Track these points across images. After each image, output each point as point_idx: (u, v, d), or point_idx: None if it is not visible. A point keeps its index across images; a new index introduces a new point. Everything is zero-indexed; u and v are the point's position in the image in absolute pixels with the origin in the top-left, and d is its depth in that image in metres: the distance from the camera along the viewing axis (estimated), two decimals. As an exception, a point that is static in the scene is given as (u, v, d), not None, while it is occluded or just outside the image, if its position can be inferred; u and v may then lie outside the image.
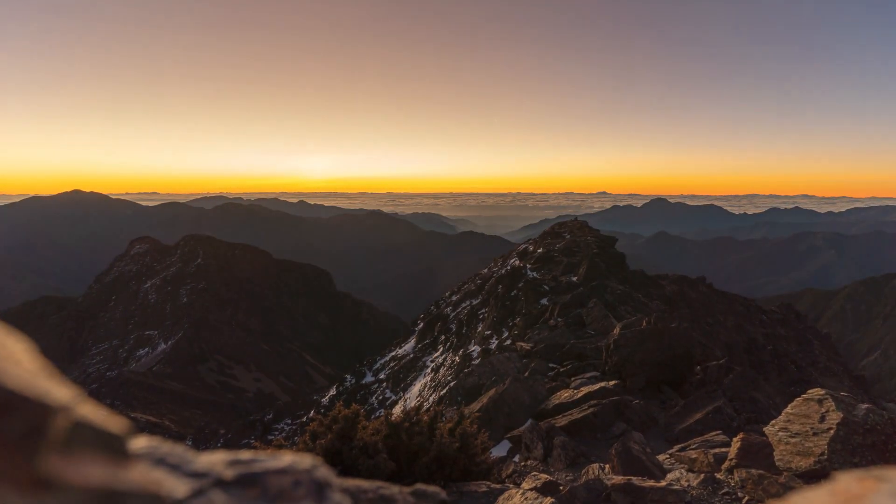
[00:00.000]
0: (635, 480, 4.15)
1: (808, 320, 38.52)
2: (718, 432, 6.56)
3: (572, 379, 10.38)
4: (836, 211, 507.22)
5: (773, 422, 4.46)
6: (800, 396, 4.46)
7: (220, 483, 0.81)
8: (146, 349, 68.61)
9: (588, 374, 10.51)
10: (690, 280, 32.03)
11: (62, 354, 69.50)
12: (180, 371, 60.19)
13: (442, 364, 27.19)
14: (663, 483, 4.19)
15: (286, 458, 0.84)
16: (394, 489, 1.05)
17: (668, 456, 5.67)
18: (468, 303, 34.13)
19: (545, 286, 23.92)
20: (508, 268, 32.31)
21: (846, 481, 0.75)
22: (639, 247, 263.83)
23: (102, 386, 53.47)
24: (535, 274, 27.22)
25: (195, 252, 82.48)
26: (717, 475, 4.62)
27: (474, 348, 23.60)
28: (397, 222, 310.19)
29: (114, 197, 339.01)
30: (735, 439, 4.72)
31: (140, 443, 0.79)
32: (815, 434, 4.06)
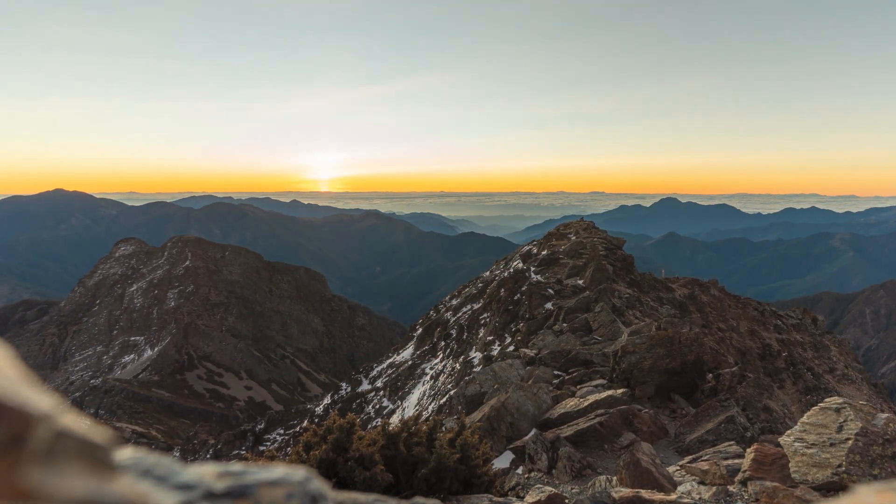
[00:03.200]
0: (644, 493, 4.06)
1: (825, 325, 37.73)
2: (731, 443, 6.43)
3: (578, 387, 10.26)
4: (855, 211, 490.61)
5: (789, 432, 4.36)
6: (816, 405, 4.37)
7: (210, 495, 0.79)
8: (132, 356, 67.15)
9: (595, 382, 10.38)
10: (702, 283, 31.56)
11: (44, 361, 68.28)
12: (167, 379, 58.99)
13: (442, 371, 27.02)
14: (673, 496, 4.09)
15: (278, 470, 0.82)
16: (391, 503, 1.02)
17: (678, 468, 5.55)
18: (469, 307, 33.88)
19: (550, 290, 23.71)
20: (511, 270, 32.09)
21: (865, 494, 0.72)
22: (648, 248, 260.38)
23: (86, 394, 52.34)
24: (539, 277, 26.99)
25: (183, 254, 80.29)
26: (730, 488, 4.52)
27: (475, 355, 23.43)
28: (395, 223, 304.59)
29: (98, 196, 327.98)
30: (749, 450, 4.61)
31: (125, 454, 0.77)
32: (832, 445, 3.96)
